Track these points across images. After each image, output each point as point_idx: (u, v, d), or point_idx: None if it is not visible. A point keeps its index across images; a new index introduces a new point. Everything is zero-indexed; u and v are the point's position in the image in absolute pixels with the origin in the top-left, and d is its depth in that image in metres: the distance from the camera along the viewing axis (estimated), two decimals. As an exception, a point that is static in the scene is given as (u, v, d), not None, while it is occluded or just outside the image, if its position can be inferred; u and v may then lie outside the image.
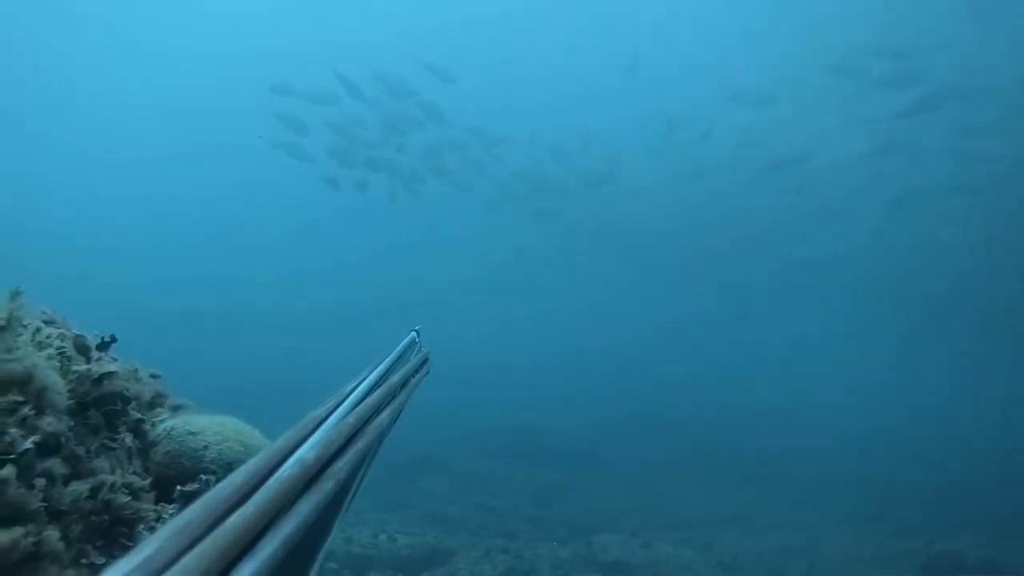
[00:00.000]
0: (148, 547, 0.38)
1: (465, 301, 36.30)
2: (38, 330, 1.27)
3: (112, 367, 1.31)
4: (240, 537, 0.42)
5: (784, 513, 11.32)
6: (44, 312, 1.39)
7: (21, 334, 1.20)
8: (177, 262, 35.66)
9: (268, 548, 0.43)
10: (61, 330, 1.34)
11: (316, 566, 0.55)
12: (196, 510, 0.42)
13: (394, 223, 28.90)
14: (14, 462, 1.10)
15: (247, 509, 0.43)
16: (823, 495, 12.52)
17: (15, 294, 1.19)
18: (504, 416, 17.25)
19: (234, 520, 0.43)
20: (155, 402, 1.55)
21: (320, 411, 0.61)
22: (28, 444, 1.15)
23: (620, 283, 31.14)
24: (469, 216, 25.73)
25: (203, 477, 1.38)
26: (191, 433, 1.39)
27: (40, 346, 1.23)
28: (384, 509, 9.23)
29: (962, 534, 9.43)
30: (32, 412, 1.17)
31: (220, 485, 0.44)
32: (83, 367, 1.26)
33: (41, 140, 35.00)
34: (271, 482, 0.45)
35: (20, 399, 1.17)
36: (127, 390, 1.33)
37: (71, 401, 1.20)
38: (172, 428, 1.42)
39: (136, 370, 1.48)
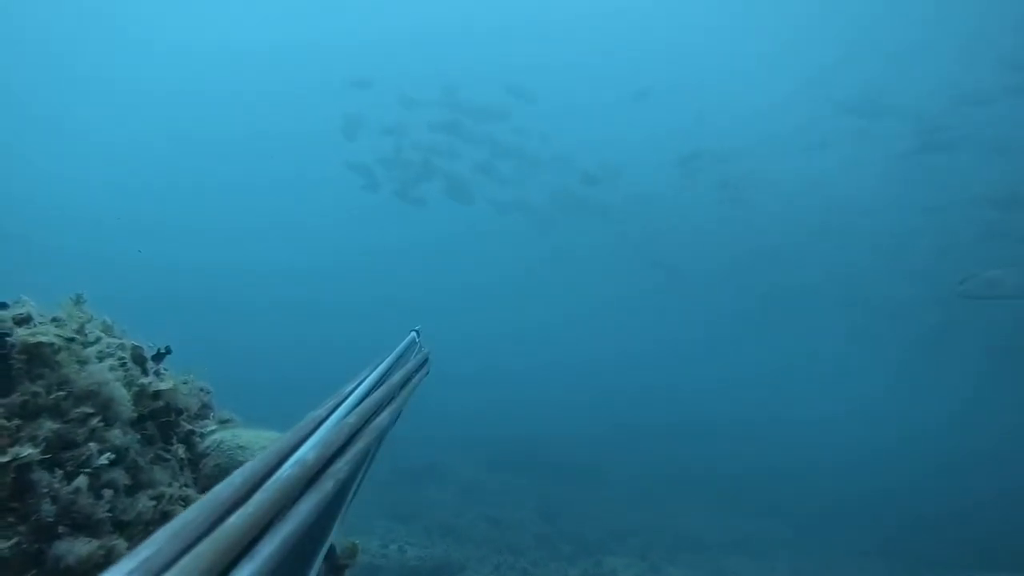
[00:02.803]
0: (147, 548, 0.38)
1: (476, 307, 36.17)
2: (98, 339, 1.29)
3: (167, 383, 1.35)
4: (240, 537, 0.42)
5: (790, 540, 11.14)
6: (103, 321, 1.40)
7: (89, 345, 1.24)
8: (213, 249, 36.02)
9: (268, 548, 0.43)
10: (120, 340, 1.37)
11: (316, 566, 0.54)
12: (195, 511, 0.42)
13: (412, 225, 29.05)
14: (87, 472, 1.16)
15: (247, 509, 0.43)
16: (828, 522, 12.33)
17: (78, 300, 1.28)
18: (509, 427, 17.34)
19: (234, 520, 0.43)
20: (202, 413, 1.57)
21: (320, 411, 0.61)
22: (103, 460, 1.19)
23: (631, 297, 30.99)
24: (482, 224, 25.93)
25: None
26: (240, 447, 1.42)
27: (102, 356, 1.25)
28: (391, 518, 9.31)
29: (976, 572, 9.28)
30: (101, 424, 1.23)
31: (219, 486, 0.44)
32: (142, 380, 1.30)
33: (82, 130, 36.08)
34: (271, 482, 0.45)
35: (90, 411, 1.23)
36: (180, 402, 1.36)
37: (133, 413, 1.26)
38: (221, 441, 1.45)
39: (187, 381, 1.50)
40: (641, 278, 27.75)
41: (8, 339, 1.06)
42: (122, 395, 1.26)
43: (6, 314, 1.14)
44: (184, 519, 0.41)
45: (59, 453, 1.14)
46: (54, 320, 1.23)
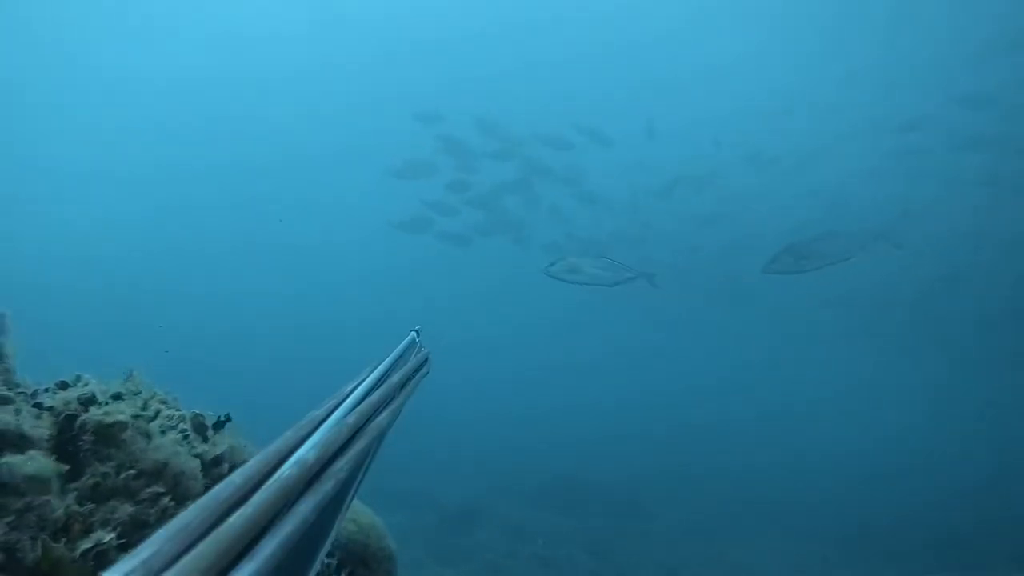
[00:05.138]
0: (147, 548, 0.38)
1: (514, 343, 35.22)
2: (158, 412, 1.30)
3: (222, 447, 1.36)
4: (240, 538, 0.42)
5: (837, 560, 10.70)
6: (158, 394, 1.38)
7: (151, 420, 1.25)
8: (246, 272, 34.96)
9: (268, 548, 0.42)
10: (180, 411, 1.37)
11: (316, 566, 0.53)
12: (195, 511, 0.42)
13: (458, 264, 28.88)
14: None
15: (247, 510, 0.43)
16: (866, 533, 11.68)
17: (131, 377, 1.29)
18: (551, 465, 16.93)
19: (233, 521, 0.42)
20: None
21: (320, 411, 0.60)
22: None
23: (671, 329, 29.82)
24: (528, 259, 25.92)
25: (325, 560, 1.38)
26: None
27: (164, 430, 1.26)
28: (439, 562, 9.20)
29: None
30: (172, 503, 1.25)
31: (219, 486, 0.44)
32: (201, 448, 1.31)
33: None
34: (270, 482, 0.45)
35: (161, 490, 1.25)
36: (240, 460, 1.35)
37: (203, 487, 1.29)
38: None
39: (245, 446, 1.47)
40: (687, 311, 27.41)
41: (76, 421, 1.13)
42: (191, 469, 1.27)
43: (70, 395, 1.16)
44: (184, 519, 0.40)
45: (133, 536, 1.17)
46: (117, 396, 1.25)
